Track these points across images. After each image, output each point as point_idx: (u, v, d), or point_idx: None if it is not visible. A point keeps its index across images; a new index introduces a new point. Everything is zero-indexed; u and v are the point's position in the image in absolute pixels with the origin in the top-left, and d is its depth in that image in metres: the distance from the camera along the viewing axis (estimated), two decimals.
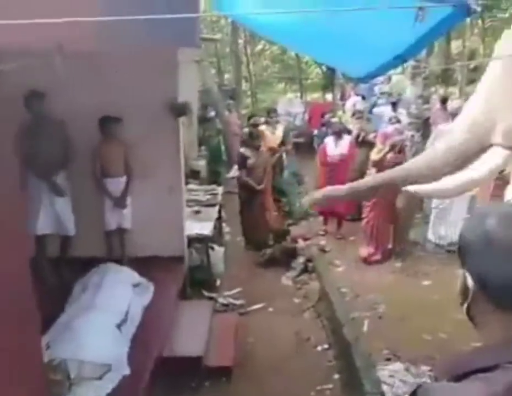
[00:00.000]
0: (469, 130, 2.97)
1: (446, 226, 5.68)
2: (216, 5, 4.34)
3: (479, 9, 2.79)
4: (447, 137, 3.14)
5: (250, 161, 6.33)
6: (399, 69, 10.46)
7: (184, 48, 5.13)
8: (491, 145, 2.90)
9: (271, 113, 8.16)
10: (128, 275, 4.32)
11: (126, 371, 3.29)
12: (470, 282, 1.07)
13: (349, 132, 7.21)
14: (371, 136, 6.81)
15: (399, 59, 3.19)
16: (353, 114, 8.40)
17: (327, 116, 8.63)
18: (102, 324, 3.55)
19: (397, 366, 3.67)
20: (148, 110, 4.53)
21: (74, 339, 3.29)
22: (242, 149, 6.48)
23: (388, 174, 3.18)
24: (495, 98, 2.96)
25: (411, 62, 7.79)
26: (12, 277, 2.18)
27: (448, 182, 3.02)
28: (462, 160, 2.92)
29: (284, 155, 7.72)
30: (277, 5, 2.82)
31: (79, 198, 4.48)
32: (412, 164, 3.15)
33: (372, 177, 3.44)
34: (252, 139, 6.44)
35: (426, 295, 4.73)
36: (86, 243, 4.57)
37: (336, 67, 6.32)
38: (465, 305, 1.12)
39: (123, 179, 4.57)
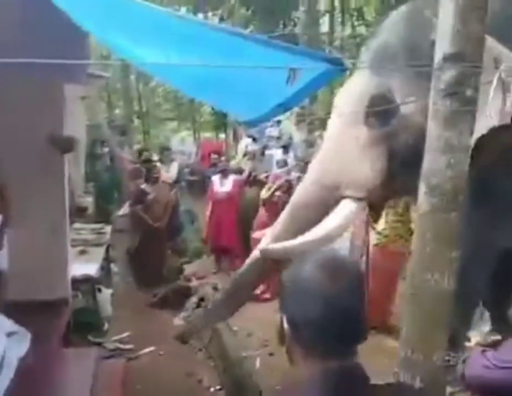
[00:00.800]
0: (323, 189, 3.19)
1: None
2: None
3: (351, 66, 3.07)
4: (303, 192, 3.32)
5: (150, 197, 6.24)
6: (286, 115, 11.08)
7: (70, 83, 4.97)
8: (342, 198, 3.12)
9: (164, 151, 8.15)
10: (1, 323, 3.92)
11: None
12: (285, 325, 1.13)
13: (240, 172, 7.44)
14: (262, 176, 7.08)
15: (281, 107, 3.37)
16: (245, 155, 8.69)
17: (214, 156, 8.86)
18: None
19: None
20: (31, 145, 4.26)
21: None
22: (143, 185, 6.39)
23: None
24: (339, 153, 3.22)
25: (296, 109, 8.31)
26: None
27: (307, 238, 3.13)
28: (321, 214, 3.09)
29: (178, 194, 7.71)
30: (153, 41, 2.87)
31: None
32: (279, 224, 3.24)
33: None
34: (151, 174, 6.41)
35: None
36: None
37: (226, 110, 6.54)
38: (285, 346, 1.17)
39: None
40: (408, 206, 4.72)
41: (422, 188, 2.78)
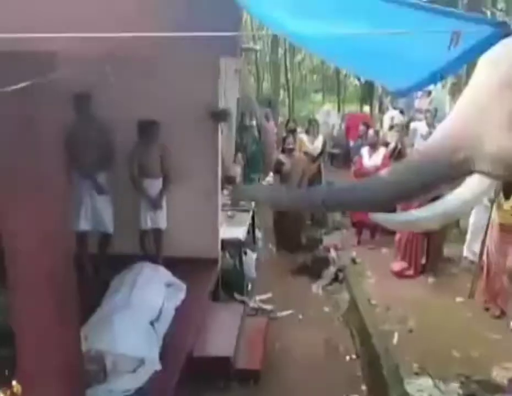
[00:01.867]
0: (445, 151, 2.75)
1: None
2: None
3: None
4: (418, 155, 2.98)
5: (285, 167, 6.43)
6: (439, 85, 10.33)
7: (225, 56, 5.28)
8: (470, 173, 2.72)
9: (312, 122, 8.21)
10: (162, 274, 4.44)
11: (158, 366, 3.39)
12: None
13: (387, 144, 7.19)
14: (408, 151, 6.78)
15: (436, 76, 3.19)
16: (391, 127, 8.36)
17: (362, 127, 8.55)
18: (137, 320, 3.68)
19: (426, 381, 3.64)
20: (189, 115, 4.68)
21: (110, 332, 3.42)
22: (280, 156, 6.61)
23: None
24: (481, 117, 2.69)
25: (451, 78, 7.71)
26: (56, 271, 2.32)
27: (422, 213, 2.88)
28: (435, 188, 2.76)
29: (322, 165, 7.78)
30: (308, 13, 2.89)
31: (117, 198, 4.66)
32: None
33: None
34: (286, 145, 6.58)
35: (458, 312, 4.66)
36: (122, 241, 4.74)
37: (374, 80, 6.34)
38: None
39: (159, 181, 4.71)
40: None
41: None
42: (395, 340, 4.28)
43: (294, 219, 6.44)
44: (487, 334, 4.24)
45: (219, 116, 4.85)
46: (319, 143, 7.75)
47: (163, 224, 4.81)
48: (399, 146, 6.96)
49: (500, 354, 3.89)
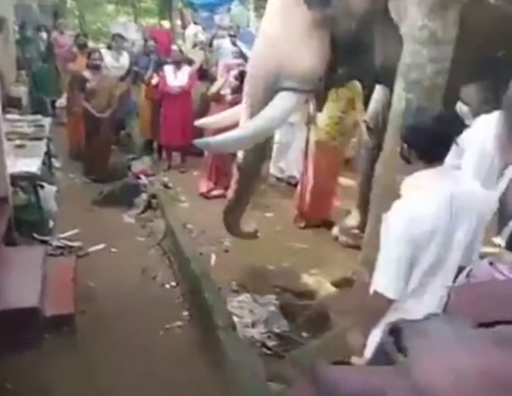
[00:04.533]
0: (263, 77, 2.94)
1: (286, 160, 5.91)
2: None
3: None
4: (248, 88, 3.11)
5: (90, 85, 5.73)
6: (237, 1, 10.29)
7: None
8: (281, 89, 2.91)
9: (115, 37, 7.31)
10: None
11: None
12: None
13: (190, 62, 6.92)
14: (213, 69, 6.65)
15: None
16: (195, 45, 8.06)
17: (150, 43, 7.72)
18: None
19: (245, 296, 3.76)
20: None
21: None
22: (84, 72, 5.85)
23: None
24: (277, 44, 2.91)
25: None
26: None
27: (237, 132, 2.99)
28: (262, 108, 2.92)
29: (130, 85, 7.12)
30: None
31: None
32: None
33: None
34: (92, 60, 5.86)
35: (269, 227, 4.90)
36: None
37: None
38: None
39: None
40: (355, 101, 4.59)
41: (400, 83, 2.64)
42: (213, 261, 4.32)
43: (100, 143, 5.88)
44: (295, 244, 4.56)
45: None
46: (125, 60, 7.04)
47: None
48: (204, 66, 6.78)
49: (307, 262, 4.23)
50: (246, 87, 3.14)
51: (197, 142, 3.17)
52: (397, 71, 2.66)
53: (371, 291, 1.84)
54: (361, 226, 4.42)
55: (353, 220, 4.56)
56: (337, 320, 3.26)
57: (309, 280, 3.96)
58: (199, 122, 4.09)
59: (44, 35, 8.71)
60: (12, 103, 6.68)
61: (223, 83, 5.62)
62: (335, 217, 4.98)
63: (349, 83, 4.40)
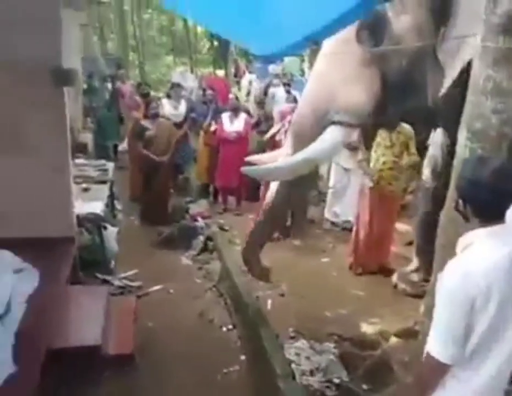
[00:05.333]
0: (313, 114, 3.02)
1: (342, 205, 5.89)
2: None
3: None
4: (295, 127, 3.19)
5: (149, 133, 6.02)
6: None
7: (67, 8, 4.60)
8: (331, 123, 2.98)
9: (174, 86, 7.67)
10: (8, 260, 3.80)
11: (12, 369, 2.88)
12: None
13: (248, 112, 7.18)
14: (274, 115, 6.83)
15: (309, 41, 3.13)
16: (248, 93, 8.33)
17: (209, 92, 8.12)
18: None
19: (302, 343, 3.70)
20: (28, 78, 3.97)
21: None
22: (143, 121, 6.16)
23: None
24: (329, 73, 3.00)
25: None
26: None
27: (286, 161, 3.06)
28: (309, 142, 2.99)
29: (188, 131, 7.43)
30: None
31: None
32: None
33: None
34: (151, 109, 6.17)
35: (325, 272, 4.86)
36: None
37: (240, 42, 6.17)
38: None
39: None
40: (408, 145, 4.57)
41: (463, 133, 2.62)
42: (269, 306, 4.30)
43: (159, 187, 6.09)
44: (352, 291, 4.49)
45: (64, 77, 4.20)
46: (182, 108, 7.37)
47: None
48: (262, 119, 7.01)
49: (365, 310, 4.14)
50: (292, 128, 3.23)
51: (246, 169, 3.22)
52: (461, 120, 2.65)
53: (425, 351, 1.70)
54: (422, 274, 4.32)
55: (412, 267, 4.46)
56: (400, 373, 3.14)
57: (368, 328, 3.86)
58: (252, 157, 4.13)
59: (109, 85, 9.28)
60: (79, 149, 7.10)
61: (278, 129, 5.76)
62: (393, 264, 4.88)
63: (402, 128, 4.40)
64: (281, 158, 3.31)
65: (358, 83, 2.91)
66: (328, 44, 3.17)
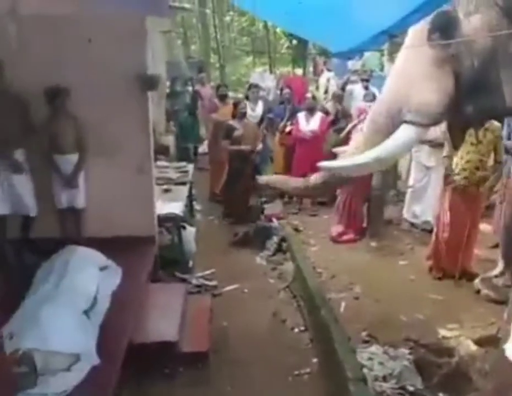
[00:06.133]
0: (387, 112, 2.99)
1: (421, 205, 5.66)
2: None
3: None
4: (370, 123, 3.18)
5: (237, 133, 6.20)
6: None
7: (152, 16, 4.84)
8: (403, 122, 2.93)
9: (252, 88, 7.72)
10: (95, 257, 4.08)
11: (96, 361, 3.09)
12: None
13: (326, 112, 7.10)
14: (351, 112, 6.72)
15: (385, 35, 3.10)
16: (326, 91, 8.23)
17: (286, 90, 7.99)
18: (68, 311, 3.33)
19: (376, 348, 3.61)
20: (115, 82, 4.25)
21: (38, 327, 3.06)
22: (231, 121, 6.34)
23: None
24: (403, 74, 3.00)
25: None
26: None
27: (359, 158, 3.06)
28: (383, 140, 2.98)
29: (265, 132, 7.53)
30: None
31: (35, 176, 4.20)
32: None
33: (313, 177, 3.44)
34: (240, 109, 6.35)
35: (402, 275, 4.71)
36: (43, 224, 4.30)
37: (318, 41, 6.13)
38: None
39: (74, 157, 4.25)
40: (497, 147, 4.28)
41: None
42: (342, 308, 4.24)
43: (243, 188, 6.23)
44: (430, 295, 4.30)
45: (149, 82, 4.44)
46: (259, 109, 7.47)
47: (80, 203, 4.37)
48: (339, 116, 6.91)
49: (443, 315, 3.95)
50: (366, 124, 3.25)
51: (322, 164, 3.26)
52: None
53: (505, 357, 1.62)
54: (507, 279, 4.05)
55: (497, 271, 4.19)
56: (478, 383, 2.97)
57: (446, 335, 3.68)
58: (337, 149, 4.23)
59: (190, 88, 9.61)
60: (161, 151, 7.43)
61: (354, 125, 5.68)
62: (476, 268, 4.61)
63: (491, 125, 4.15)
64: (347, 154, 3.36)
65: (430, 83, 2.89)
66: (408, 37, 3.19)
